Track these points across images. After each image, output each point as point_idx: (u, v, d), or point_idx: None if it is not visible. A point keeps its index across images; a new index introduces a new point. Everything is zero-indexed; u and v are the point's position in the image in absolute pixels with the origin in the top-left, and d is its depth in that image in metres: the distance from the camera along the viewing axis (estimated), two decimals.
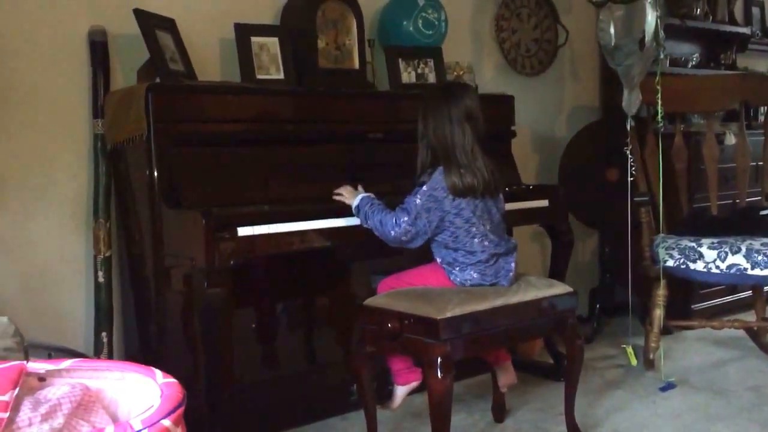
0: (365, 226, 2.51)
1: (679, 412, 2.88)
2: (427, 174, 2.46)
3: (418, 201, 2.41)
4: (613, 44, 3.34)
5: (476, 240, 2.44)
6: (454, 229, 2.43)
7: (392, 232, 2.43)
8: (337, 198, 2.60)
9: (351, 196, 2.57)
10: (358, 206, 2.53)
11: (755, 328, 3.59)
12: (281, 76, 2.93)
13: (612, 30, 3.31)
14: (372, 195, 2.56)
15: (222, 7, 3.05)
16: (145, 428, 1.22)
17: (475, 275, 2.45)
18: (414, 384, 2.58)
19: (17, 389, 1.29)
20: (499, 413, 2.82)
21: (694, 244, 3.23)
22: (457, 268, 2.46)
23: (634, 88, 3.38)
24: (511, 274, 2.50)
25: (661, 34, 3.26)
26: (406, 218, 2.42)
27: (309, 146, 2.86)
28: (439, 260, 2.50)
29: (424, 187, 2.42)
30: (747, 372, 3.34)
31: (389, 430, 2.74)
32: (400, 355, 2.55)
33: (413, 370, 2.58)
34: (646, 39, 3.25)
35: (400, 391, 2.59)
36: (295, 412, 2.81)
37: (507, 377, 2.71)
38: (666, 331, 3.60)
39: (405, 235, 2.43)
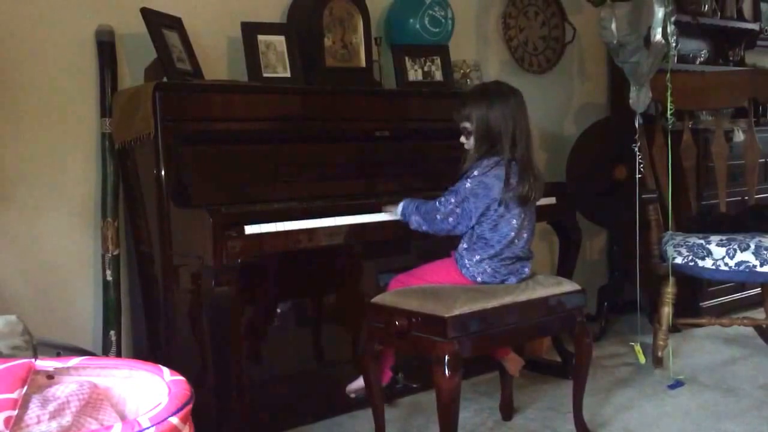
0: (415, 227, 2.51)
1: (687, 410, 2.87)
2: (479, 163, 2.45)
3: (468, 185, 2.43)
4: (616, 42, 3.32)
5: (512, 234, 2.45)
6: (496, 217, 2.43)
7: (438, 215, 2.45)
8: (387, 215, 2.59)
9: (394, 207, 2.57)
10: (402, 212, 2.53)
11: (764, 326, 3.57)
12: (288, 74, 2.93)
13: (614, 27, 3.29)
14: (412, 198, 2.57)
15: (229, 5, 3.05)
16: (152, 426, 1.22)
17: (488, 269, 2.45)
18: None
19: (26, 387, 1.30)
20: (507, 411, 2.82)
21: (702, 242, 3.22)
22: (476, 258, 2.45)
23: (644, 85, 3.36)
24: (523, 275, 2.51)
25: (670, 29, 3.24)
26: (453, 199, 2.44)
27: (316, 144, 2.86)
28: (465, 245, 2.48)
29: (475, 172, 2.43)
30: (756, 370, 3.33)
31: (397, 428, 2.74)
32: (392, 353, 2.58)
33: (385, 372, 2.61)
34: (654, 36, 3.23)
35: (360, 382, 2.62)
36: (304, 409, 2.81)
37: (514, 363, 2.71)
38: (674, 328, 3.59)
39: (451, 216, 2.43)
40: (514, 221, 2.45)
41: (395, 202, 2.57)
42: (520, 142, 2.46)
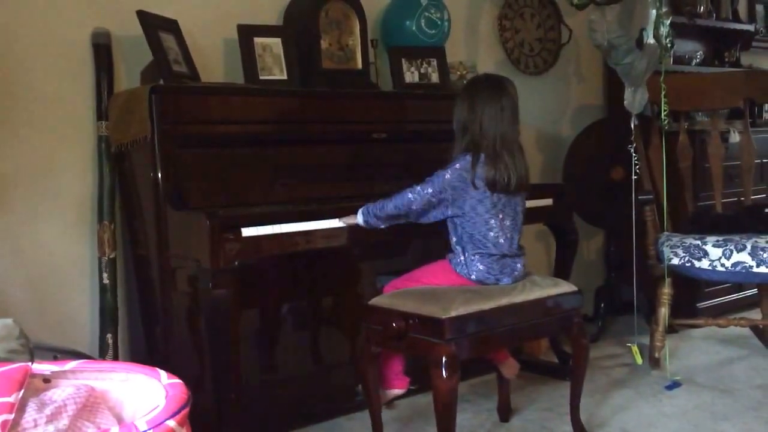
0: (384, 226, 2.48)
1: (685, 410, 2.87)
2: (462, 157, 2.44)
3: (447, 176, 2.41)
4: (606, 44, 3.33)
5: (492, 234, 2.43)
6: (474, 214, 2.42)
7: (413, 206, 2.41)
8: (347, 223, 2.54)
9: (353, 217, 2.53)
10: (365, 219, 2.49)
11: (761, 326, 3.58)
12: (284, 76, 2.93)
13: (604, 29, 3.29)
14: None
15: (225, 8, 3.05)
16: (150, 429, 1.22)
17: (480, 267, 2.44)
18: (397, 392, 2.59)
19: (22, 391, 1.30)
20: (505, 413, 2.82)
21: (699, 242, 3.22)
22: (468, 255, 2.45)
23: (640, 86, 3.37)
24: (516, 273, 2.50)
25: (663, 30, 3.25)
26: (430, 190, 2.41)
27: (313, 147, 2.86)
28: (454, 239, 2.48)
29: (457, 165, 2.41)
30: (753, 370, 3.33)
31: (394, 430, 2.74)
32: (401, 357, 2.56)
33: (401, 378, 2.59)
34: (647, 37, 3.23)
35: (387, 394, 2.60)
36: (301, 412, 2.81)
37: (510, 368, 2.71)
38: (671, 329, 3.60)
39: (427, 206, 2.42)
40: (492, 221, 2.43)
41: (352, 214, 2.52)
42: (491, 131, 2.43)
